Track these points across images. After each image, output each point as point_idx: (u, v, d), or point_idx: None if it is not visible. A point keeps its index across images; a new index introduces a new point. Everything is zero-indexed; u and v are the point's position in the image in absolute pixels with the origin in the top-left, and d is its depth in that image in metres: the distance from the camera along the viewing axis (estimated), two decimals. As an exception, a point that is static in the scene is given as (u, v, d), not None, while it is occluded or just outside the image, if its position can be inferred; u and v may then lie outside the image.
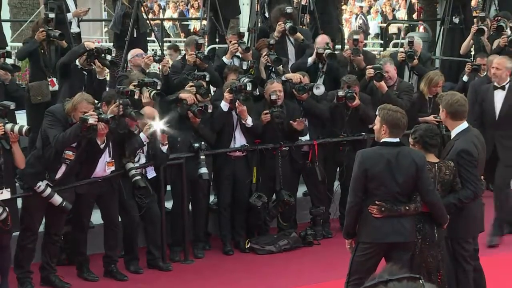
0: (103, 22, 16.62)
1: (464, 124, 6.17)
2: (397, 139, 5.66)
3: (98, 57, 7.99)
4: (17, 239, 7.18)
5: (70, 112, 7.11)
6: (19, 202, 7.28)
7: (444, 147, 6.52)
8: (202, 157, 8.04)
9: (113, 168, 7.46)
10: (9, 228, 6.73)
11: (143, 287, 7.56)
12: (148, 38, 11.48)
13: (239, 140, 8.47)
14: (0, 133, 6.67)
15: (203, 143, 8.12)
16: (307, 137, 8.79)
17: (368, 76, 9.09)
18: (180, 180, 8.11)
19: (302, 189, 9.33)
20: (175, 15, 24.06)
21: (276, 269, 8.02)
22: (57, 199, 7.05)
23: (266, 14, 10.91)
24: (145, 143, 7.70)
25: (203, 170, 8.00)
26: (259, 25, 10.87)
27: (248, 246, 8.51)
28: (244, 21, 11.76)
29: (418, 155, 5.71)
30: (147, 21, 10.90)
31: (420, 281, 2.11)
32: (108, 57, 8.32)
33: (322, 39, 9.57)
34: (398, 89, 9.15)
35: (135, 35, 10.04)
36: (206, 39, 11.41)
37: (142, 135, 7.68)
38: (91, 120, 6.89)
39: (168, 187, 8.35)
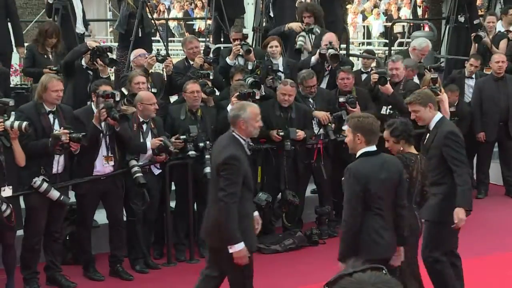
0: (108, 22, 16.61)
1: (439, 115, 6.45)
2: (375, 147, 5.49)
3: (100, 56, 8.01)
4: (22, 240, 7.20)
5: (41, 94, 7.12)
6: (22, 203, 7.28)
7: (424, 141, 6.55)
8: (207, 156, 8.04)
9: (112, 163, 7.46)
10: (13, 225, 6.74)
11: (148, 287, 7.57)
12: (153, 38, 11.49)
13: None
14: (0, 129, 6.67)
15: (208, 142, 8.12)
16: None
17: (373, 81, 9.09)
18: (185, 180, 8.12)
19: (311, 187, 9.37)
20: (180, 15, 24.08)
21: (281, 268, 8.01)
22: (55, 194, 7.05)
23: (271, 14, 10.92)
24: (149, 151, 7.70)
25: (208, 169, 7.99)
26: (263, 24, 10.88)
27: (254, 245, 8.51)
28: (249, 20, 11.76)
29: (397, 160, 5.70)
30: (152, 21, 10.91)
31: (383, 271, 2.24)
32: (110, 55, 8.36)
33: (326, 38, 9.57)
34: (404, 88, 9.13)
35: (140, 35, 10.05)
36: (211, 39, 11.42)
37: (148, 143, 7.71)
38: (63, 138, 6.93)
39: (173, 187, 8.37)
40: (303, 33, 9.71)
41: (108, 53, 8.21)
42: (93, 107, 7.51)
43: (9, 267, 7.04)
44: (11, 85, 9.57)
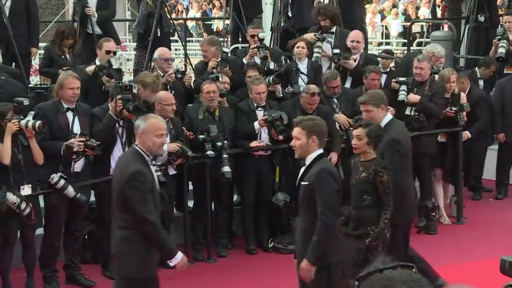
0: (127, 22, 16.68)
1: (389, 116, 6.61)
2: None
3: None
4: (42, 238, 7.25)
5: (58, 91, 7.18)
6: (42, 201, 7.33)
7: None
8: (225, 156, 8.05)
9: None
10: (33, 223, 6.78)
11: (166, 285, 7.58)
12: (171, 38, 11.51)
13: (264, 138, 8.47)
14: (14, 128, 6.71)
15: (226, 142, 8.13)
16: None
17: (393, 89, 9.07)
18: (203, 180, 8.13)
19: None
20: (198, 15, 24.12)
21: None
22: (71, 191, 7.09)
23: (289, 13, 10.91)
24: (165, 153, 7.70)
25: (226, 169, 8.01)
26: (281, 24, 10.87)
27: (271, 245, 8.52)
28: (267, 20, 11.75)
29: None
30: (171, 21, 10.93)
31: (413, 269, 2.25)
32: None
33: (352, 36, 9.57)
34: (430, 90, 9.07)
35: (158, 35, 10.07)
36: (229, 39, 11.43)
37: (165, 146, 7.71)
38: (76, 148, 7.00)
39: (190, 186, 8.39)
40: (318, 43, 9.65)
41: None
42: (110, 106, 7.53)
43: (29, 266, 7.09)
44: (30, 85, 9.63)
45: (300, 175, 5.51)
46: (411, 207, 6.82)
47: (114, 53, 8.80)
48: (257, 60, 9.24)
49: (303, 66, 9.41)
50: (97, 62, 8.51)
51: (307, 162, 5.43)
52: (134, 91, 7.42)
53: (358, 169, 6.06)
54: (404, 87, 8.98)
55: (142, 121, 5.41)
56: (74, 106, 7.28)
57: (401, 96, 8.88)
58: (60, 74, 7.63)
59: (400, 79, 9.11)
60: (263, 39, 9.40)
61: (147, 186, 5.23)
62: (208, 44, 9.34)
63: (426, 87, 9.08)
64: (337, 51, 9.44)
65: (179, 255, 5.39)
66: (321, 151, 5.44)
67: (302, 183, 5.42)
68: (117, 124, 7.38)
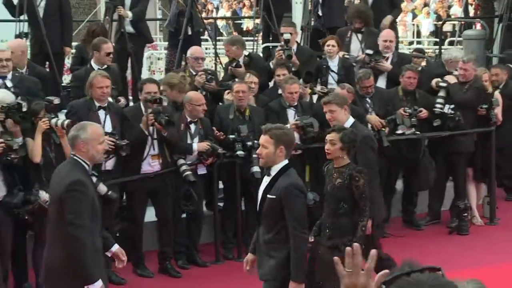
0: (158, 22, 16.76)
1: (351, 119, 6.68)
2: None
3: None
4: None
5: (88, 90, 7.25)
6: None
7: None
8: (255, 155, 8.04)
9: (157, 161, 7.50)
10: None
11: (196, 284, 7.61)
12: (201, 37, 11.54)
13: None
14: (45, 127, 6.76)
15: (256, 141, 8.11)
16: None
17: (436, 87, 9.08)
18: (233, 179, 8.13)
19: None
20: (228, 14, 24.15)
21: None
22: (103, 188, 7.14)
23: (320, 13, 10.88)
24: (195, 152, 7.72)
25: (256, 168, 8.00)
26: (312, 23, 10.84)
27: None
28: (297, 19, 11.72)
29: None
30: (201, 20, 10.96)
31: (440, 272, 2.20)
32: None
33: (384, 35, 9.52)
34: (469, 89, 9.09)
35: (189, 33, 10.11)
36: (260, 37, 11.43)
37: (194, 145, 7.75)
38: (106, 148, 7.01)
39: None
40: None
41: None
42: (142, 106, 7.57)
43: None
44: (63, 84, 9.72)
45: (265, 186, 5.24)
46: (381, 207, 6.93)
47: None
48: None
49: (333, 64, 9.39)
50: (93, 64, 8.36)
51: (272, 173, 5.18)
52: (164, 103, 7.45)
53: (332, 175, 5.91)
54: (443, 93, 8.94)
55: (81, 130, 5.11)
56: (106, 104, 7.33)
57: (438, 106, 8.89)
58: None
59: (442, 84, 9.03)
60: (288, 40, 9.38)
61: (88, 197, 4.94)
62: (228, 43, 9.44)
63: (466, 85, 9.05)
64: (369, 51, 9.38)
65: (98, 284, 4.94)
66: (286, 162, 5.19)
67: (268, 196, 5.17)
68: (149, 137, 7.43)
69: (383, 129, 8.63)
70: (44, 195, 6.61)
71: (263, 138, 5.21)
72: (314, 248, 5.97)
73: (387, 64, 9.39)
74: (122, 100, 8.41)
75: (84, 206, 4.91)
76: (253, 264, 5.50)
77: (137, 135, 7.37)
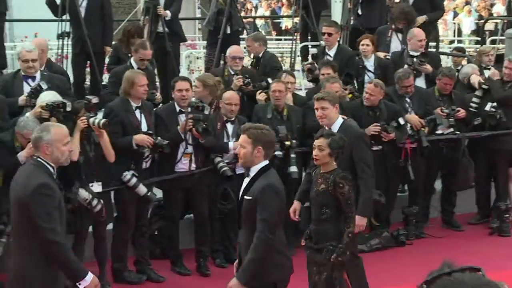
0: (197, 21, 16.85)
1: (341, 119, 6.55)
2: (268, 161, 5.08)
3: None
4: (113, 233, 7.38)
5: (128, 90, 7.24)
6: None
7: None
8: (293, 155, 8.04)
9: (188, 160, 7.53)
10: (103, 219, 6.92)
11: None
12: (240, 36, 11.57)
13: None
14: (82, 126, 6.81)
15: (294, 141, 8.11)
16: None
17: (481, 87, 8.99)
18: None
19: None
20: (267, 13, 24.17)
21: (366, 268, 7.92)
22: (142, 189, 7.20)
23: (359, 12, 10.83)
24: (231, 151, 7.74)
25: (293, 169, 8.00)
26: (351, 22, 10.80)
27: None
28: (336, 18, 11.68)
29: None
30: (240, 19, 10.99)
31: (480, 272, 2.17)
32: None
33: (415, 34, 9.45)
34: None
35: (228, 32, 10.15)
36: (299, 37, 11.42)
37: (231, 143, 7.77)
38: (146, 147, 7.18)
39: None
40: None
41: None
42: (176, 106, 7.60)
43: (101, 260, 7.23)
44: (103, 83, 9.84)
45: (243, 187, 5.13)
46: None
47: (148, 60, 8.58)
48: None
49: (369, 63, 9.34)
50: (133, 63, 8.46)
51: (251, 173, 5.05)
52: (206, 112, 7.50)
53: (317, 181, 5.79)
54: (479, 92, 8.85)
55: (44, 132, 4.92)
56: (140, 104, 7.39)
57: (473, 105, 8.87)
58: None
59: (484, 86, 8.93)
60: (315, 56, 9.42)
61: (54, 201, 4.75)
62: (252, 39, 9.51)
63: (509, 84, 8.94)
64: (414, 53, 9.29)
65: (89, 277, 4.83)
66: (266, 162, 5.05)
67: (246, 197, 5.03)
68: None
69: (423, 129, 8.56)
70: (83, 194, 6.69)
71: (242, 138, 5.10)
72: (306, 252, 5.92)
73: (429, 67, 9.31)
74: (158, 95, 8.46)
75: (52, 210, 4.72)
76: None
77: (173, 137, 7.42)
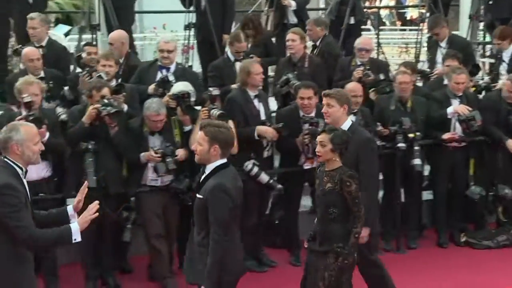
0: (320, 11, 16.80)
1: (349, 121, 6.15)
2: (226, 159, 5.00)
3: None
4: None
5: (246, 79, 7.27)
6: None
7: None
8: (417, 148, 7.90)
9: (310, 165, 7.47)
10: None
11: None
12: (362, 27, 11.41)
13: (458, 129, 8.20)
14: (204, 117, 6.92)
15: (418, 133, 7.96)
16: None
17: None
18: (393, 170, 8.01)
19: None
20: (392, 3, 23.78)
21: (493, 265, 7.70)
22: (264, 177, 7.28)
23: (490, 1, 10.47)
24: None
25: (417, 161, 7.86)
26: (481, 12, 10.45)
27: (464, 239, 8.27)
28: (465, 7, 11.32)
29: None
30: (364, 9, 10.86)
31: None
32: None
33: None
34: None
35: (352, 22, 10.04)
36: (425, 26, 11.16)
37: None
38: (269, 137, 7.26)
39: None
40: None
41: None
42: (300, 111, 7.50)
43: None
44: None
45: (197, 184, 5.10)
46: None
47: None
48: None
49: (506, 55, 9.07)
50: (229, 55, 8.44)
51: (207, 171, 4.99)
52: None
53: (323, 179, 5.52)
54: None
55: (13, 131, 4.70)
56: (258, 93, 7.44)
57: None
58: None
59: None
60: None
61: (19, 200, 4.56)
62: (314, 24, 9.33)
63: None
64: None
65: (75, 227, 4.64)
66: (223, 161, 4.98)
67: (197, 195, 4.99)
68: None
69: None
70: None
71: (199, 134, 5.05)
72: (307, 254, 5.69)
73: None
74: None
75: (18, 209, 4.54)
76: None
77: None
